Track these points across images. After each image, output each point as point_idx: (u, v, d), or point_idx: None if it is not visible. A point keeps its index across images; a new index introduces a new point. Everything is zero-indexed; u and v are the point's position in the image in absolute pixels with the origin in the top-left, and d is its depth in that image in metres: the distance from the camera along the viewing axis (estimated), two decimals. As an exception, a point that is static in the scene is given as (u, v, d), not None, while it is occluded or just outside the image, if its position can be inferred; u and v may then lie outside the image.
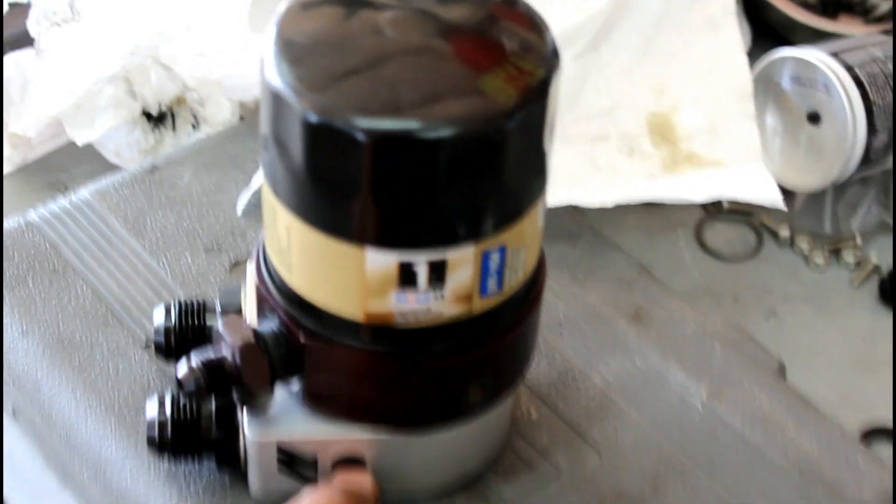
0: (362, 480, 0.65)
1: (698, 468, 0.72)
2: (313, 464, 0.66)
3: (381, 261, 0.57)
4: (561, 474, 0.71)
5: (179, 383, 0.62)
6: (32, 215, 0.81)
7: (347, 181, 0.56)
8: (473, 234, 0.57)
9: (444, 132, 0.54)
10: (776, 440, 0.74)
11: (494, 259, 0.59)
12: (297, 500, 0.63)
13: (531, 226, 0.60)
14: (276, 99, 0.56)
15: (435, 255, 0.57)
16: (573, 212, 0.86)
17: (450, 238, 0.57)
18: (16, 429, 0.78)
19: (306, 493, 0.64)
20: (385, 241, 0.57)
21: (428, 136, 0.54)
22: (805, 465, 0.73)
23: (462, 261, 0.58)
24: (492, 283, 0.60)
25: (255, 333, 0.62)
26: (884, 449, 0.85)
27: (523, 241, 0.60)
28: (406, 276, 0.58)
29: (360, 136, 0.54)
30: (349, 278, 0.58)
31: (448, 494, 0.69)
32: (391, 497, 0.68)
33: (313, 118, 0.54)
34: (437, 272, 0.58)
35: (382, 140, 0.54)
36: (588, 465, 0.72)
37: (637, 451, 0.72)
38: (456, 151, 0.54)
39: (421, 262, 0.57)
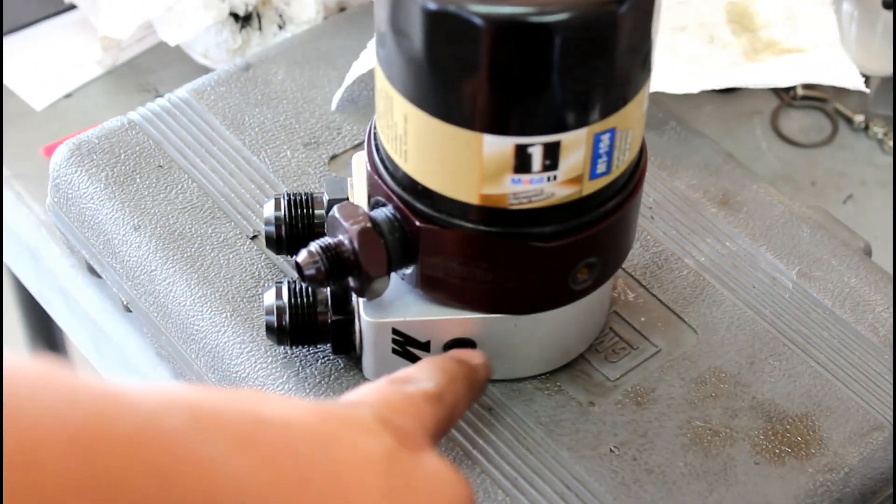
0: (474, 354, 0.67)
1: (792, 344, 0.74)
2: (426, 346, 0.69)
3: (497, 145, 0.59)
4: (660, 352, 0.73)
5: (299, 268, 0.65)
6: (133, 115, 0.84)
7: (465, 67, 0.58)
8: (585, 116, 0.60)
9: (560, 15, 0.56)
10: (866, 317, 0.76)
11: (605, 141, 0.61)
12: (412, 367, 0.65)
13: (637, 108, 0.62)
14: (396, -11, 0.58)
15: (549, 137, 0.59)
16: (657, 101, 0.87)
17: (564, 121, 0.59)
18: (126, 324, 0.81)
19: (423, 360, 0.66)
20: (502, 125, 0.59)
21: (544, 20, 0.56)
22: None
23: (575, 143, 0.60)
24: (601, 165, 0.62)
25: (371, 219, 0.65)
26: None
27: (630, 123, 0.62)
28: (521, 159, 0.60)
29: (478, 21, 0.56)
30: (466, 163, 0.61)
31: (551, 371, 0.72)
32: (498, 374, 0.70)
33: (432, 5, 0.56)
34: (551, 154, 0.60)
35: (499, 24, 0.56)
36: (685, 344, 0.74)
37: (732, 330, 0.75)
38: (571, 35, 0.56)
39: (536, 144, 0.59)
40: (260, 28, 0.96)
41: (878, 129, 0.99)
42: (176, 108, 0.84)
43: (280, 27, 0.96)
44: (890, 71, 0.97)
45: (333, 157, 0.82)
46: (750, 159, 0.96)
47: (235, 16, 0.95)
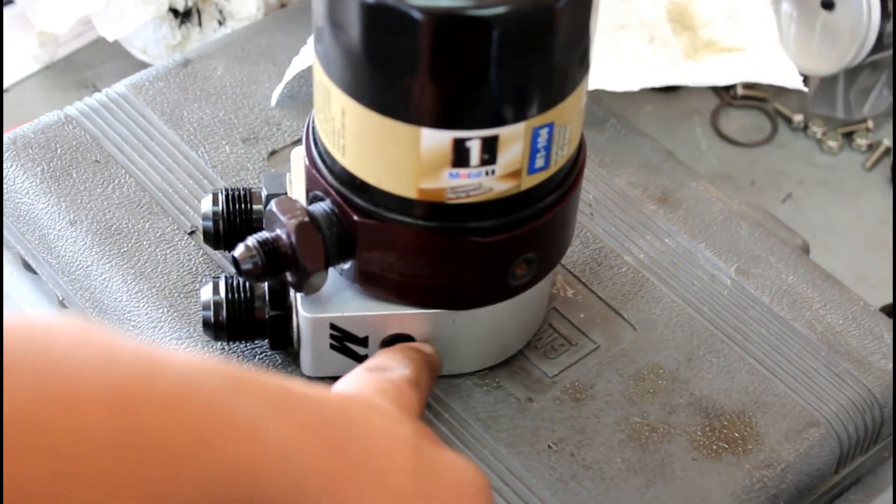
0: (423, 344, 0.67)
1: (730, 341, 0.74)
2: (364, 341, 0.68)
3: (435, 138, 0.59)
4: (598, 349, 0.73)
5: (236, 263, 0.64)
6: (71, 109, 0.83)
7: (403, 60, 0.58)
8: (524, 110, 0.59)
9: (498, 9, 0.56)
10: (803, 314, 0.76)
11: (543, 136, 0.61)
12: (378, 356, 0.65)
13: (576, 104, 0.62)
14: (334, -18, 0.57)
15: (487, 131, 0.59)
16: (597, 99, 0.87)
17: (502, 114, 0.59)
18: (62, 318, 0.80)
19: (386, 349, 0.66)
20: (440, 119, 0.59)
21: (482, 14, 0.56)
22: (832, 338, 0.75)
23: (513, 137, 0.60)
24: (540, 159, 0.62)
25: (309, 213, 0.64)
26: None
27: (569, 118, 0.62)
28: (459, 153, 0.60)
29: (416, 14, 0.56)
30: (404, 157, 0.60)
31: (490, 368, 0.72)
32: (438, 371, 0.70)
33: (371, -1, 0.56)
34: (489, 149, 0.60)
35: (437, 17, 0.56)
36: (624, 340, 0.74)
37: (671, 326, 0.75)
38: (508, 28, 0.56)
39: (474, 138, 0.59)
40: (200, 24, 0.95)
41: (817, 129, 1.00)
42: (113, 103, 0.84)
43: (220, 23, 0.95)
44: (828, 70, 0.98)
45: (273, 153, 0.82)
46: (690, 158, 0.97)
47: (175, 11, 0.95)
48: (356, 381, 0.61)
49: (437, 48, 0.57)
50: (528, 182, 0.63)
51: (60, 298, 0.78)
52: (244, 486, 0.45)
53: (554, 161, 0.63)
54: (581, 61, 0.61)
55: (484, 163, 0.60)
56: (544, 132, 0.61)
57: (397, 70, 0.58)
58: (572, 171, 0.66)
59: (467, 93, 0.58)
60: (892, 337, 0.76)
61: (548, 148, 0.62)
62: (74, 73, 0.99)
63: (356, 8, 0.57)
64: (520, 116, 0.60)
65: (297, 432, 0.48)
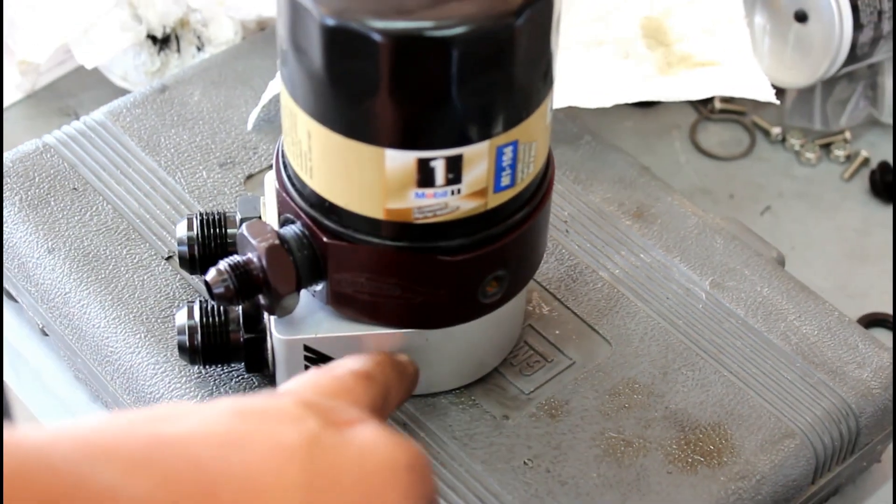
0: (400, 354, 0.67)
1: (705, 354, 0.75)
2: (338, 361, 0.69)
3: (400, 159, 0.60)
4: (574, 365, 0.74)
5: (209, 287, 0.65)
6: (49, 138, 0.84)
7: (365, 83, 0.58)
8: (487, 129, 0.60)
9: (457, 30, 0.56)
10: (778, 326, 0.77)
11: (507, 154, 0.61)
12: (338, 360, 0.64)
13: (540, 121, 0.63)
14: (294, 6, 0.58)
15: (451, 151, 0.60)
16: (572, 116, 0.88)
17: (465, 134, 0.60)
18: (45, 346, 0.81)
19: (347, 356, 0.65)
20: (403, 139, 0.59)
21: (441, 34, 0.56)
22: (807, 349, 0.76)
23: (477, 156, 0.60)
24: (505, 178, 0.62)
25: (279, 236, 0.65)
26: (880, 336, 0.88)
27: (533, 136, 0.62)
28: (424, 173, 0.60)
29: (376, 36, 0.56)
30: (369, 178, 0.61)
31: (466, 386, 0.72)
32: (413, 390, 0.71)
33: (330, 21, 0.57)
34: (454, 168, 0.60)
35: (397, 39, 0.56)
36: (600, 356, 0.74)
37: (646, 341, 0.75)
38: (468, 48, 0.57)
39: (438, 158, 0.60)
40: (178, 50, 0.96)
41: (795, 141, 1.00)
42: (91, 131, 0.84)
43: (199, 49, 0.96)
44: (802, 82, 0.98)
45: (249, 177, 0.82)
46: (669, 173, 0.97)
47: (153, 38, 0.95)
48: (298, 378, 0.59)
49: (398, 70, 0.57)
50: (495, 200, 0.63)
51: (41, 326, 0.79)
52: None
53: (520, 179, 0.63)
54: (544, 78, 0.62)
55: (449, 182, 0.61)
56: (509, 150, 0.61)
57: (359, 92, 0.59)
58: (540, 188, 0.66)
59: (429, 113, 0.59)
60: (866, 347, 0.76)
61: (513, 166, 0.62)
62: (56, 101, 1.00)
63: (317, 31, 0.58)
64: (483, 135, 0.60)
65: (161, 488, 0.46)
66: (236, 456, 0.49)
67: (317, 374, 0.60)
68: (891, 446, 0.79)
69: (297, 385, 0.58)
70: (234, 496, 0.48)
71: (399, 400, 0.65)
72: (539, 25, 0.59)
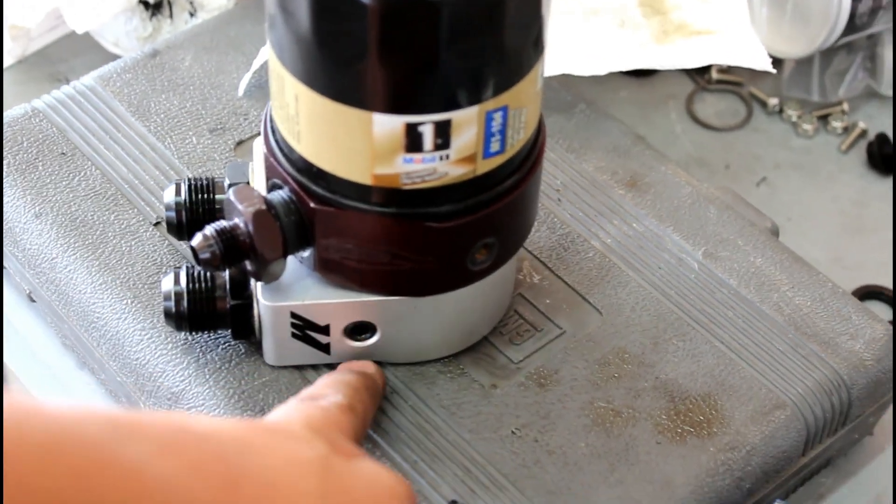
0: (366, 364, 0.68)
1: (696, 325, 0.74)
2: (325, 329, 0.68)
3: (388, 124, 0.59)
4: (564, 334, 0.73)
5: (195, 252, 0.64)
6: (38, 102, 0.83)
7: (353, 46, 0.57)
8: (476, 94, 0.59)
9: (447, -7, 0.55)
10: (771, 297, 0.76)
11: (497, 119, 0.61)
12: (314, 385, 0.65)
13: (531, 87, 0.62)
14: (282, -32, 0.57)
15: (440, 116, 0.59)
16: (568, 85, 0.87)
17: (453, 98, 0.59)
18: (32, 312, 0.80)
19: (324, 377, 0.67)
20: (391, 104, 0.59)
21: (431, -3, 0.55)
22: (799, 320, 0.75)
23: (466, 121, 0.60)
24: (495, 143, 0.62)
25: (266, 201, 0.64)
26: (876, 308, 0.87)
27: (524, 101, 0.62)
28: (412, 138, 0.60)
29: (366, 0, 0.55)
30: (357, 143, 0.60)
31: (454, 354, 0.72)
32: (400, 357, 0.70)
33: (319, -16, 0.56)
34: (442, 133, 0.60)
35: (386, 2, 0.56)
36: (590, 325, 0.74)
37: (637, 310, 0.75)
38: (457, 11, 0.56)
39: (427, 123, 0.59)
40: (171, 15, 0.95)
41: (792, 112, 0.99)
42: (81, 96, 0.84)
43: (191, 14, 0.95)
44: (800, 53, 0.97)
45: (240, 143, 0.82)
46: (665, 143, 0.97)
47: (146, 3, 0.94)
48: (286, 410, 0.61)
49: (386, 33, 0.57)
50: (484, 166, 0.62)
51: (28, 292, 0.79)
52: None
53: (510, 145, 0.63)
54: (534, 44, 0.61)
55: (437, 147, 0.60)
56: (498, 116, 0.61)
57: (347, 56, 0.58)
58: (531, 155, 0.66)
59: (417, 77, 0.58)
60: (860, 319, 0.75)
61: (503, 132, 0.62)
62: (47, 66, 0.99)
63: (305, -6, 0.57)
64: (472, 100, 0.59)
65: (187, 472, 0.48)
66: (257, 460, 0.51)
67: (304, 406, 0.61)
68: (888, 417, 0.79)
69: (289, 415, 0.60)
70: (254, 494, 0.50)
71: (372, 419, 0.67)
72: (529, -11, 0.59)
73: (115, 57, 0.95)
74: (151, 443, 0.47)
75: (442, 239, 0.64)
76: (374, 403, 0.67)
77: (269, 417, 0.61)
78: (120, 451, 0.46)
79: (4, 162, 0.79)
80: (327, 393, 0.63)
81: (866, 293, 0.89)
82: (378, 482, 0.55)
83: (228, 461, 0.50)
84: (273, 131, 0.66)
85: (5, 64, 0.98)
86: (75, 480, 0.44)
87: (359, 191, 0.62)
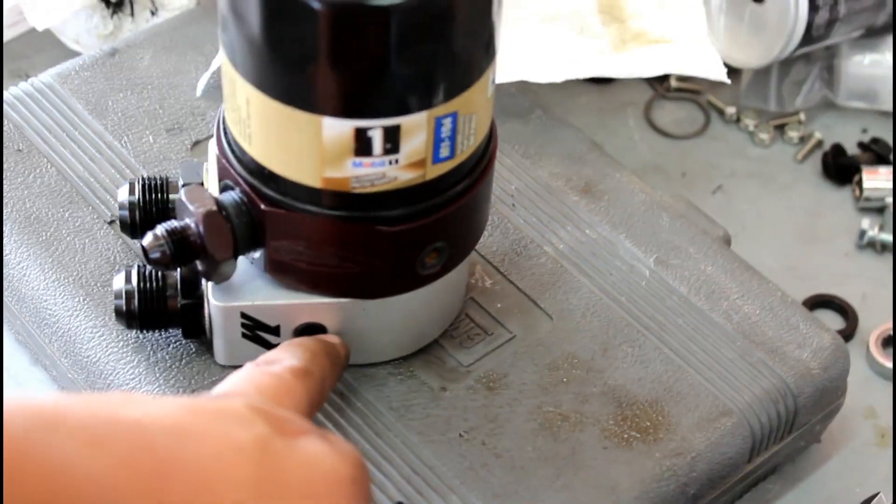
0: (330, 335, 0.68)
1: (646, 331, 0.75)
2: (276, 330, 0.69)
3: (337, 128, 0.59)
4: (514, 338, 0.74)
5: (145, 251, 0.65)
6: (-5, 98, 0.83)
7: (303, 50, 0.58)
8: (425, 100, 0.60)
9: (396, -1, 0.56)
10: (720, 305, 0.77)
11: (446, 125, 0.61)
12: (271, 351, 0.65)
13: (481, 93, 0.62)
14: (234, -29, 0.58)
15: (389, 121, 0.59)
16: (524, 91, 0.88)
17: (403, 104, 0.59)
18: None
19: (283, 343, 0.66)
20: (341, 108, 0.59)
21: (380, 3, 0.56)
22: (748, 328, 0.76)
23: (415, 127, 0.60)
24: (444, 149, 0.62)
25: (217, 203, 0.65)
26: (828, 317, 0.88)
27: (473, 108, 0.62)
28: (362, 143, 0.60)
29: (315, 4, 0.56)
30: (307, 146, 0.61)
31: (405, 357, 0.72)
32: (350, 359, 0.70)
33: (269, -12, 0.56)
34: (392, 138, 0.60)
35: (336, 7, 0.56)
36: (541, 330, 0.74)
37: (587, 316, 0.75)
38: (407, 17, 0.56)
39: (376, 128, 0.60)
40: (132, 14, 0.95)
41: (750, 122, 1.00)
42: (39, 93, 0.84)
43: (153, 13, 0.95)
44: (757, 62, 0.98)
45: (196, 143, 0.82)
46: (622, 150, 0.97)
47: (106, 1, 0.94)
48: (239, 376, 0.60)
49: (336, 37, 0.57)
50: (434, 171, 0.63)
51: (-18, 288, 0.79)
52: None
53: (460, 151, 0.63)
54: (485, 50, 0.61)
55: (387, 152, 0.61)
56: (448, 122, 0.61)
57: (297, 59, 0.58)
58: (481, 161, 0.66)
59: (367, 82, 0.58)
60: (808, 328, 0.76)
61: (452, 138, 0.62)
62: (8, 62, 0.99)
63: (256, -3, 0.57)
64: (422, 106, 0.60)
65: (116, 466, 0.47)
66: (190, 447, 0.50)
67: (257, 372, 0.60)
68: (836, 424, 0.79)
69: (240, 385, 0.59)
70: (185, 484, 0.48)
71: (332, 386, 0.66)
72: (479, -4, 0.59)
73: (76, 54, 0.96)
74: (78, 438, 0.46)
75: (391, 242, 0.64)
76: (335, 371, 0.66)
77: (220, 386, 0.60)
78: (44, 448, 0.45)
79: (-40, 158, 0.79)
80: (283, 357, 0.62)
81: (819, 302, 0.90)
82: (319, 466, 0.53)
83: (160, 452, 0.49)
84: (225, 133, 0.66)
85: (-35, 59, 0.98)
86: None
87: (309, 193, 0.63)
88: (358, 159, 0.61)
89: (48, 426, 0.46)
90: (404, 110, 0.60)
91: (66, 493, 0.45)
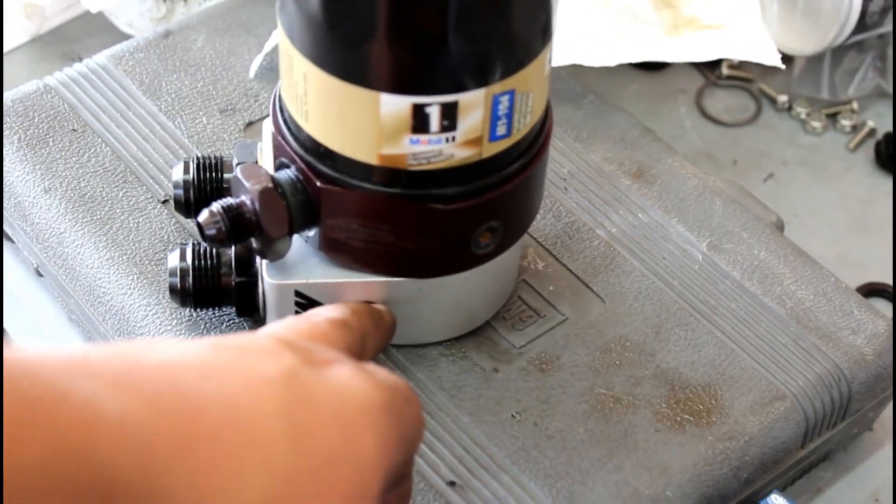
0: (378, 305, 0.67)
1: (699, 315, 0.74)
2: (329, 308, 0.69)
3: (395, 104, 0.59)
4: (566, 321, 0.74)
5: (200, 228, 0.65)
6: (50, 79, 0.84)
7: (361, 25, 0.58)
8: (483, 77, 0.60)
9: (457, -26, 0.56)
10: (773, 290, 0.76)
11: (504, 103, 0.61)
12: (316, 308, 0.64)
13: (538, 72, 0.62)
14: (293, -54, 0.58)
15: (447, 97, 0.59)
16: (578, 76, 0.88)
17: (461, 80, 0.59)
18: (39, 287, 0.81)
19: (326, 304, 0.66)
20: (398, 84, 0.59)
21: (441, -22, 0.56)
22: (801, 313, 0.75)
23: (473, 104, 0.60)
24: (501, 127, 0.62)
25: (273, 180, 0.65)
26: (879, 306, 0.88)
27: (530, 86, 0.62)
28: (419, 119, 0.60)
29: (375, -21, 0.56)
30: (364, 122, 0.61)
31: (457, 338, 0.72)
32: (402, 339, 0.70)
33: (329, -37, 0.57)
34: (449, 115, 0.60)
35: (396, -19, 0.56)
36: (593, 313, 0.74)
37: (640, 299, 0.75)
38: (467, -7, 0.56)
39: (433, 104, 0.60)
40: (185, -3, 0.96)
41: (801, 110, 1.00)
42: (93, 74, 0.84)
43: (205, -3, 0.96)
44: (810, 50, 0.97)
45: (249, 124, 0.82)
46: (673, 137, 0.97)
47: (160, -16, 0.95)
48: (274, 323, 0.59)
49: (395, 13, 0.57)
50: (490, 150, 0.63)
51: (35, 266, 0.79)
52: (85, 460, 0.44)
53: (516, 129, 0.63)
54: (542, 29, 0.61)
55: (444, 129, 0.61)
56: (505, 99, 0.61)
57: (356, 35, 0.58)
58: (537, 140, 0.66)
59: (425, 58, 0.58)
60: (862, 314, 0.76)
61: (509, 115, 0.62)
62: (61, 45, 1.00)
63: (315, -28, 0.57)
64: (479, 83, 0.60)
65: (141, 405, 0.46)
66: (216, 384, 0.49)
67: (294, 319, 0.60)
68: (888, 413, 0.79)
69: (274, 328, 0.58)
70: (213, 420, 0.48)
71: (376, 348, 0.65)
72: (538, -27, 0.59)
73: (128, 37, 0.96)
74: (105, 380, 0.46)
75: (446, 221, 0.64)
76: (378, 333, 0.65)
77: (258, 331, 0.59)
78: (73, 388, 0.45)
79: (16, 137, 0.80)
80: (324, 311, 0.62)
81: (869, 290, 0.89)
82: (349, 393, 0.52)
83: (185, 390, 0.48)
84: (282, 110, 0.66)
85: (20, 41, 0.99)
86: (26, 417, 0.43)
87: (365, 171, 0.63)
88: (415, 136, 0.61)
89: (73, 369, 0.46)
90: (462, 87, 0.60)
91: (95, 430, 0.44)
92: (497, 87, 0.60)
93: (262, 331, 0.58)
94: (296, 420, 0.49)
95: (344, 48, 0.59)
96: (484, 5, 0.58)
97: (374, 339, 0.64)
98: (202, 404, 0.48)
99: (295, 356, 0.52)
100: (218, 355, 0.50)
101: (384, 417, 0.52)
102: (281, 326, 0.58)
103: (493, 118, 0.61)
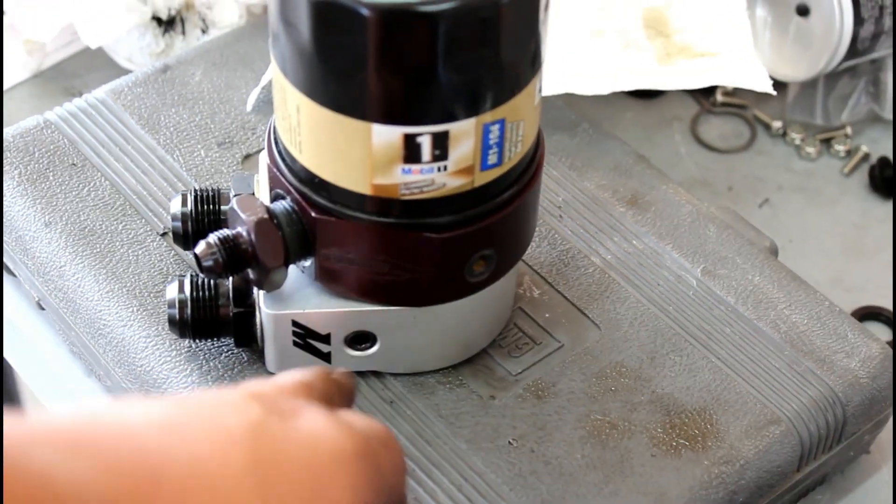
0: (339, 370, 0.66)
1: (693, 340, 0.75)
2: (326, 338, 0.69)
3: (386, 134, 0.60)
4: (562, 348, 0.74)
5: (198, 259, 0.66)
6: (50, 114, 0.84)
7: (352, 57, 0.59)
8: (473, 106, 0.61)
9: (445, 5, 0.57)
10: (768, 314, 0.77)
11: (494, 132, 0.62)
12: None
13: (528, 100, 0.63)
14: (284, -19, 0.59)
15: (438, 127, 0.60)
16: (572, 105, 0.88)
17: (451, 110, 0.60)
18: (41, 320, 0.81)
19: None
20: (390, 115, 0.60)
21: (429, 9, 0.57)
22: (796, 337, 0.76)
23: (463, 133, 0.61)
24: (492, 156, 0.63)
25: (269, 211, 0.66)
26: (875, 330, 0.88)
27: (521, 115, 0.63)
28: (411, 149, 0.61)
29: (364, 11, 0.57)
30: (356, 153, 0.62)
31: (454, 366, 0.73)
32: (400, 367, 0.71)
33: (320, -3, 0.58)
34: (440, 144, 0.61)
35: (385, 14, 0.57)
36: (589, 340, 0.75)
37: (635, 326, 0.75)
38: (456, 24, 0.57)
39: (425, 134, 0.60)
40: (183, 32, 0.97)
41: (796, 135, 1.00)
42: (93, 108, 0.85)
43: (203, 31, 0.97)
44: (802, 76, 0.98)
45: (247, 157, 0.83)
46: (668, 164, 0.97)
47: (158, 20, 0.96)
48: (248, 382, 0.56)
49: (385, 45, 0.58)
50: (482, 178, 0.64)
51: (37, 299, 0.80)
52: None
53: (507, 158, 0.64)
54: (532, 58, 0.62)
55: (435, 158, 0.61)
56: (495, 129, 0.62)
57: (347, 67, 0.59)
58: (529, 168, 0.67)
59: (416, 88, 0.59)
60: (856, 337, 0.76)
61: (500, 144, 0.63)
62: (62, 81, 1.01)
63: (305, 6, 0.58)
64: (470, 112, 0.61)
65: (100, 472, 0.45)
66: (180, 441, 0.48)
67: (260, 382, 0.57)
68: (885, 435, 0.79)
69: (244, 384, 0.56)
70: (178, 479, 0.46)
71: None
72: (527, 5, 0.60)
73: (128, 72, 0.97)
74: (62, 446, 0.45)
75: (439, 249, 0.65)
76: (342, 397, 0.61)
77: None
78: (31, 456, 0.44)
79: (17, 172, 0.81)
80: (289, 374, 0.59)
81: (865, 314, 0.90)
82: (319, 443, 0.50)
83: (147, 450, 0.47)
84: (276, 142, 0.67)
85: (21, 77, 1.00)
86: None
87: (359, 201, 0.64)
88: (407, 166, 0.62)
89: (32, 440, 0.45)
90: (452, 117, 0.60)
91: (52, 499, 0.43)
92: (487, 117, 0.61)
93: (233, 388, 0.58)
94: (264, 474, 0.48)
95: (335, 80, 0.60)
96: (472, 36, 0.59)
97: (339, 402, 0.61)
98: (164, 462, 0.46)
99: (262, 407, 0.50)
100: (182, 411, 0.49)
101: (356, 465, 0.51)
102: (251, 383, 0.56)
103: (484, 147, 0.62)
